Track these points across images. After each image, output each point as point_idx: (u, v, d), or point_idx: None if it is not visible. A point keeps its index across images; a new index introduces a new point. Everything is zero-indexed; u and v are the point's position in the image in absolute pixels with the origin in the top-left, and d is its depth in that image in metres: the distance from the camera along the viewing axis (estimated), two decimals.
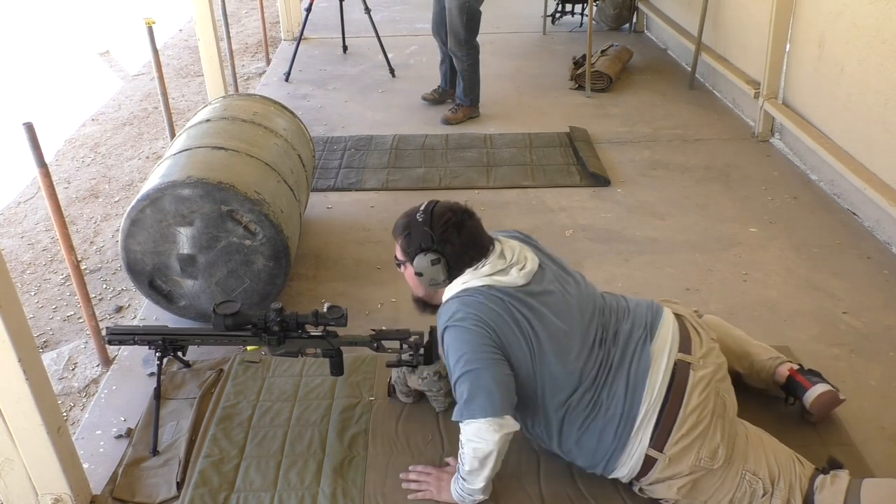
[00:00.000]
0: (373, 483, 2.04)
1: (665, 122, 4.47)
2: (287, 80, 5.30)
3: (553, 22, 6.51)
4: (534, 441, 2.04)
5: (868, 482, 1.85)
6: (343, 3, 5.54)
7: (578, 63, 5.20)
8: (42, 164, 2.24)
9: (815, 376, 2.18)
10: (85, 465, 2.07)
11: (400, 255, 1.97)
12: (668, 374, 1.84)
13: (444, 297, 1.93)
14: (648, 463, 1.83)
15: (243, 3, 7.94)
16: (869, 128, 3.27)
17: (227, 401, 2.35)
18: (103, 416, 2.35)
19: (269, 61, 5.85)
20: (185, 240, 2.55)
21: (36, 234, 3.62)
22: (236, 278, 2.63)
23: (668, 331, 1.93)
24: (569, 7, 6.47)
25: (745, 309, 2.76)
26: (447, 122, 4.52)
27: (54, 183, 2.35)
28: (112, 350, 2.65)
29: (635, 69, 5.39)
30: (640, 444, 1.82)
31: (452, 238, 1.88)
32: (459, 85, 4.53)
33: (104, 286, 3.16)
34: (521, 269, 1.88)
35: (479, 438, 1.80)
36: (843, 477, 1.85)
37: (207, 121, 2.99)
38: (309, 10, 5.50)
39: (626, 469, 1.86)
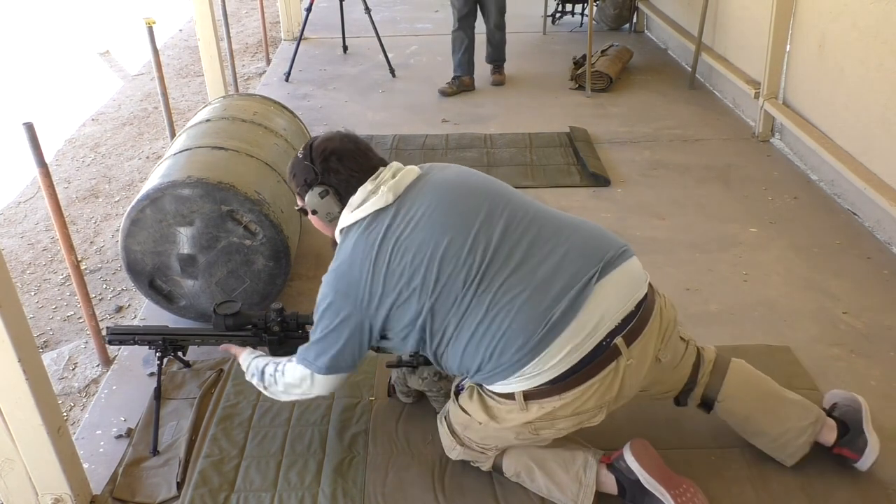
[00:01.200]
0: (373, 483, 2.04)
1: (665, 122, 4.47)
2: (287, 80, 5.30)
3: (553, 22, 6.51)
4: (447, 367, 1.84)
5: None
6: (343, 3, 5.54)
7: (578, 63, 5.20)
8: (42, 164, 2.24)
9: (847, 430, 1.94)
10: (85, 465, 2.07)
11: (298, 202, 1.88)
12: (591, 347, 1.65)
13: (338, 239, 1.83)
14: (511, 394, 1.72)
15: (243, 3, 7.94)
16: (869, 128, 3.27)
17: (227, 401, 2.35)
18: (103, 416, 2.35)
19: (269, 61, 5.85)
20: (185, 240, 2.55)
21: (36, 234, 3.62)
22: (236, 278, 2.63)
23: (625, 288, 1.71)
24: (569, 7, 6.47)
25: (745, 309, 2.76)
26: (501, 83, 5.17)
27: (54, 183, 2.34)
28: (112, 350, 2.65)
29: (635, 69, 5.39)
30: (526, 376, 1.67)
31: (335, 165, 1.77)
32: (499, 51, 5.20)
33: (104, 286, 3.16)
34: (389, 187, 1.74)
35: (294, 384, 1.89)
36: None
37: (207, 121, 2.99)
38: (309, 10, 5.50)
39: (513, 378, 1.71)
